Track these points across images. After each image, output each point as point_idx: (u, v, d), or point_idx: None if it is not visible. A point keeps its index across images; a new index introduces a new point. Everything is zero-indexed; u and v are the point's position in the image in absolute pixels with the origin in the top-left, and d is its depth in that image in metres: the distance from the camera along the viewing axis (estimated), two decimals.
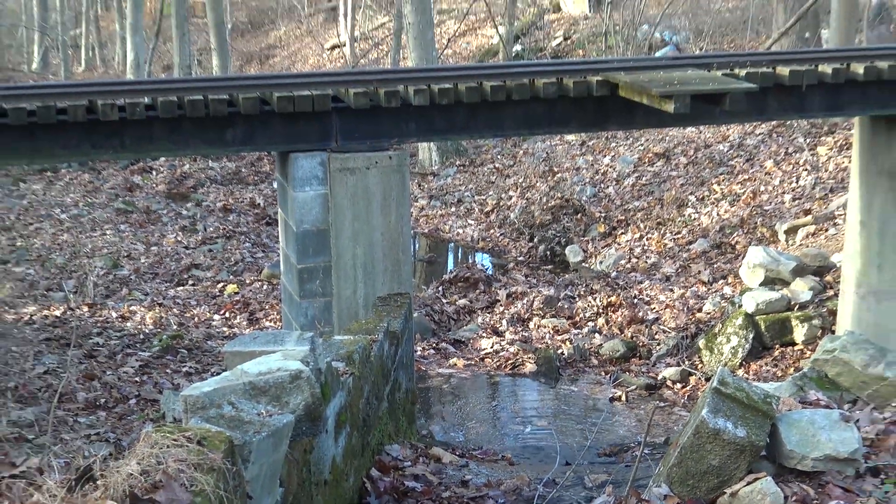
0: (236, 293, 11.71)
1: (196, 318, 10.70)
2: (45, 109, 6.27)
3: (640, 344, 9.98)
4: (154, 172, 17.00)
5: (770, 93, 7.10)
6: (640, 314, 10.44)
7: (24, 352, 8.58)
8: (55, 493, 2.56)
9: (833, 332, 8.51)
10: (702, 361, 9.44)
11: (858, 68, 7.12)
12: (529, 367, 9.55)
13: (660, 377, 9.30)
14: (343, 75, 8.16)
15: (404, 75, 7.38)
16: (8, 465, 3.10)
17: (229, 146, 7.22)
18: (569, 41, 21.13)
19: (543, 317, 10.72)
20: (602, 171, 15.23)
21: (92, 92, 6.80)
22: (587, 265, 12.78)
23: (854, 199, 8.66)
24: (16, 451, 4.23)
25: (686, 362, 9.52)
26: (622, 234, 13.25)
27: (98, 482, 2.64)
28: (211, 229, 14.58)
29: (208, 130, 6.89)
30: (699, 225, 12.58)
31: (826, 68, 7.09)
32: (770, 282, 9.77)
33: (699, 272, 11.36)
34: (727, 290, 10.53)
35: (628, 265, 12.26)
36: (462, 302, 11.42)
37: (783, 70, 7.03)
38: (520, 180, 15.83)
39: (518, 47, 21.52)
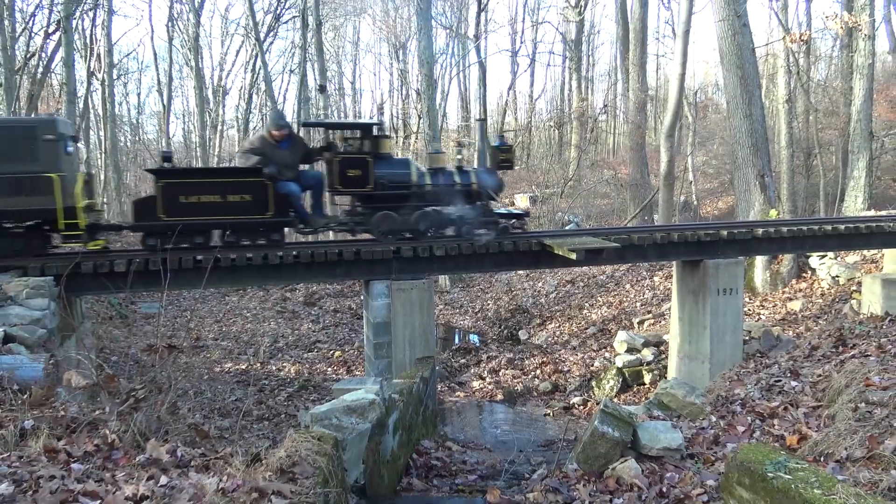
0: (340, 356, 14.87)
1: (318, 370, 13.70)
2: (240, 258, 8.93)
3: (560, 384, 13.06)
4: (297, 291, 21.16)
5: (628, 248, 10.20)
6: (560, 368, 13.72)
7: (225, 388, 11.37)
8: (239, 467, 3.50)
9: (665, 378, 11.21)
10: (594, 394, 12.38)
11: (674, 235, 10.30)
12: (500, 397, 12.65)
13: (571, 403, 12.15)
14: (398, 241, 9.99)
15: (432, 241, 9.99)
16: (213, 451, 4.03)
17: (338, 277, 10.27)
18: None
19: (507, 369, 14.03)
20: (537, 289, 19.78)
21: (265, 246, 9.73)
22: (531, 341, 16.34)
23: (674, 305, 11.34)
24: (219, 444, 4.82)
25: (586, 395, 12.50)
26: (549, 324, 17.12)
27: (263, 461, 3.55)
28: (327, 321, 18.34)
29: (326, 268, 9.50)
30: (591, 319, 16.22)
31: (657, 235, 10.26)
32: (630, 350, 12.90)
33: (592, 345, 14.79)
34: (607, 355, 13.75)
35: (552, 341, 15.69)
36: (462, 361, 14.89)
37: (634, 236, 10.23)
38: (493, 295, 20.71)
39: None
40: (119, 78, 37.31)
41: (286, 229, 10.13)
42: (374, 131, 10.34)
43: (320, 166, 11.30)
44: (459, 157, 10.68)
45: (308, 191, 10.31)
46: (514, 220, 10.84)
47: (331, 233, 23.95)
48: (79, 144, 9.63)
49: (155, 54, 36.17)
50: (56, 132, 8.72)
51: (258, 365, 13.76)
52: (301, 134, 9.76)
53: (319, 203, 10.41)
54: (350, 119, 12.43)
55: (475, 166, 10.79)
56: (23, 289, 7.58)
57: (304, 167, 10.52)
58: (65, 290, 7.70)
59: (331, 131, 10.54)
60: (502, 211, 11.00)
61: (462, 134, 40.82)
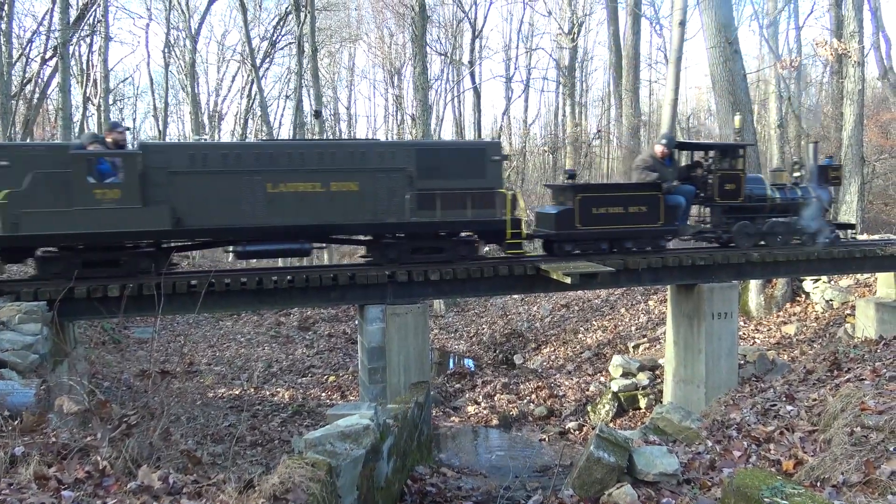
0: (335, 381, 14.82)
1: (312, 395, 13.68)
2: (235, 282, 9.00)
3: (555, 409, 13.03)
4: (291, 315, 21.14)
5: (622, 272, 10.25)
6: (555, 392, 13.70)
7: (218, 414, 11.36)
8: (232, 494, 3.49)
9: (661, 403, 11.11)
10: (590, 419, 12.32)
11: (669, 259, 10.35)
12: (495, 421, 12.63)
13: (567, 427, 12.11)
14: (392, 265, 9.99)
15: (427, 266, 9.97)
16: (206, 478, 3.98)
17: (332, 301, 10.17)
18: None
19: (502, 394, 14.00)
20: (532, 314, 19.74)
21: (259, 271, 10.13)
22: (526, 365, 16.31)
23: (669, 329, 11.38)
24: (212, 471, 4.68)
25: (581, 419, 12.43)
26: (544, 348, 17.09)
27: (256, 488, 3.56)
28: (321, 346, 18.27)
29: (321, 292, 9.52)
30: (586, 343, 16.20)
31: (652, 260, 10.33)
32: (626, 374, 12.88)
33: (587, 369, 14.78)
34: (602, 379, 13.74)
35: (548, 365, 15.69)
36: (457, 386, 14.90)
37: (629, 260, 10.27)
38: (488, 319, 20.63)
39: None
40: (115, 103, 37.48)
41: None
42: (739, 152, 11.69)
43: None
44: (798, 174, 12.22)
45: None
46: (844, 231, 12.41)
47: (325, 255, 23.85)
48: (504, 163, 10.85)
49: (151, 80, 36.61)
50: (500, 153, 10.38)
51: (252, 390, 13.74)
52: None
53: (687, 214, 11.63)
54: (709, 141, 13.37)
55: (808, 182, 12.15)
56: (15, 314, 7.58)
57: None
58: (58, 315, 7.70)
59: (695, 151, 12.40)
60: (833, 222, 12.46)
61: None
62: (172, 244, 9.83)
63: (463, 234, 10.44)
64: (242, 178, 9.29)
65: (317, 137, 29.26)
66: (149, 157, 9.06)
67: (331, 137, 39.81)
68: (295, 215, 9.45)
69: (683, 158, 12.08)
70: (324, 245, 11.17)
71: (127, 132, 10.10)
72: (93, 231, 8.80)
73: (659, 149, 11.39)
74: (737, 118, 13.96)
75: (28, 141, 11.76)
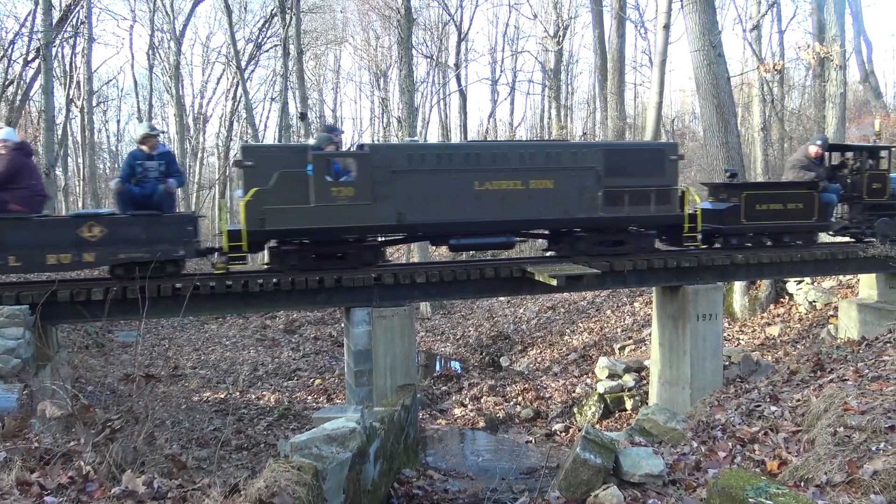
0: (321, 384, 14.78)
1: (298, 399, 13.62)
2: (220, 285, 9.03)
3: (542, 411, 13.08)
4: (277, 318, 21.12)
5: (608, 274, 10.33)
6: (541, 394, 13.76)
7: (203, 418, 11.24)
8: (217, 498, 3.50)
9: (647, 404, 11.30)
10: (576, 420, 12.36)
11: (654, 261, 10.43)
12: (481, 424, 12.67)
13: (553, 429, 12.14)
14: (379, 268, 10.16)
15: (413, 268, 10.33)
16: (191, 482, 3.97)
17: (318, 304, 10.18)
18: None
19: (489, 396, 14.04)
20: (519, 316, 19.85)
21: (244, 274, 9.96)
22: (512, 367, 16.40)
23: (654, 331, 11.44)
24: (197, 475, 4.70)
25: (568, 421, 12.47)
26: (530, 350, 17.17)
27: (242, 492, 3.58)
28: (307, 349, 18.26)
29: (307, 295, 9.54)
30: (572, 345, 16.30)
31: (638, 262, 10.38)
32: (611, 376, 12.93)
33: (573, 371, 14.86)
34: (588, 381, 13.82)
35: (534, 367, 15.77)
36: (444, 388, 14.93)
37: (615, 262, 10.34)
38: (475, 321, 20.67)
39: None
40: (98, 105, 37.20)
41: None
42: (883, 153, 12.60)
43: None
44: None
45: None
46: None
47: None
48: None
49: (135, 82, 36.22)
50: (677, 153, 11.09)
51: (237, 394, 13.65)
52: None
53: (832, 210, 12.28)
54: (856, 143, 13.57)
55: None
56: None
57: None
58: (40, 319, 7.64)
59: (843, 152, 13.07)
60: None
61: None
62: (384, 238, 10.67)
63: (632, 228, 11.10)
64: (454, 176, 10.01)
65: (302, 140, 29.08)
66: (374, 157, 9.75)
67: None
68: (498, 211, 10.17)
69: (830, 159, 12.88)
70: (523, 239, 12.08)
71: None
72: (329, 226, 9.59)
73: (814, 149, 12.09)
74: (876, 122, 14.93)
75: (248, 143, 12.19)
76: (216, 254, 9.96)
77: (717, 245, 11.82)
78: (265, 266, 10.57)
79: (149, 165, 9.62)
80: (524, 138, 41.13)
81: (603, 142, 13.07)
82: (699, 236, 11.17)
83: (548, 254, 11.70)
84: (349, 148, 11.45)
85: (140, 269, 8.89)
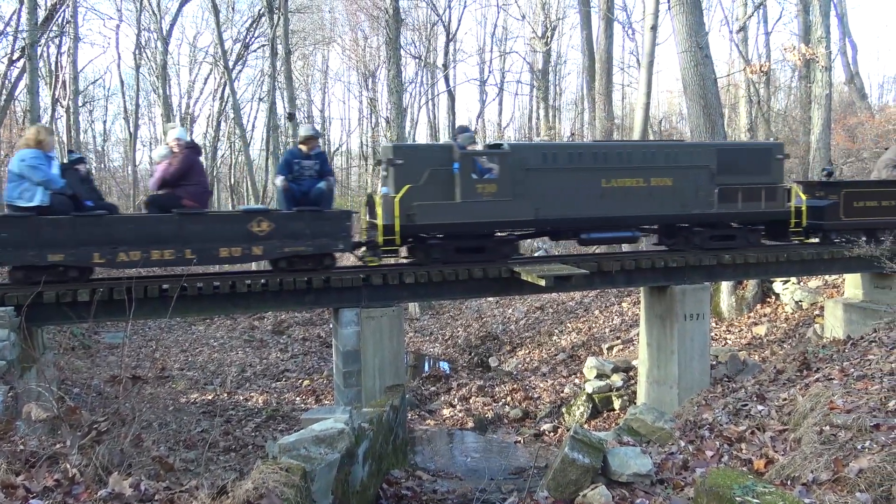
0: (309, 385, 14.76)
1: (287, 400, 13.58)
2: (207, 286, 8.94)
3: (530, 411, 13.12)
4: (265, 319, 21.05)
5: (596, 275, 10.37)
6: (530, 394, 13.81)
7: (190, 419, 11.20)
8: (205, 500, 3.49)
9: (635, 404, 11.34)
10: (564, 420, 12.39)
11: (642, 262, 10.41)
12: (470, 424, 12.68)
13: (542, 429, 12.16)
14: (366, 269, 10.22)
15: (402, 268, 10.10)
16: (178, 484, 3.93)
17: (307, 305, 10.11)
18: None
19: (477, 397, 14.08)
20: (507, 316, 19.89)
21: (232, 274, 10.14)
22: (501, 368, 16.42)
23: (642, 330, 11.49)
24: (185, 477, 4.60)
25: (556, 421, 12.50)
26: (519, 350, 17.20)
27: (230, 494, 3.55)
28: (296, 350, 18.22)
29: (295, 296, 9.48)
30: (560, 345, 16.35)
31: (625, 263, 10.46)
32: (600, 376, 12.98)
33: (562, 371, 14.91)
34: (577, 381, 13.88)
35: (523, 367, 15.80)
36: (432, 389, 14.95)
37: (603, 262, 10.42)
38: (463, 322, 20.66)
39: None
40: (84, 105, 36.93)
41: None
42: None
43: None
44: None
45: None
46: None
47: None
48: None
49: (122, 82, 35.99)
50: (783, 153, 11.72)
51: (225, 395, 13.61)
52: None
53: None
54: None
55: None
56: None
57: None
58: (25, 320, 7.58)
59: None
60: None
61: None
62: (519, 233, 11.15)
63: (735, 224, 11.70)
64: (583, 174, 10.55)
65: (291, 140, 28.98)
66: (513, 156, 10.33)
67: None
68: (622, 207, 10.71)
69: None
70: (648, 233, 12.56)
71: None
72: (473, 221, 10.15)
73: None
74: None
75: (397, 143, 13.12)
76: (363, 248, 10.58)
77: (816, 240, 12.28)
78: (405, 260, 11.09)
79: (306, 164, 10.22)
80: (510, 139, 41.16)
81: (716, 142, 13.93)
82: (803, 231, 11.67)
83: (660, 248, 12.38)
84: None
85: (299, 261, 9.66)
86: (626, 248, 14.66)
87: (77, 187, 9.33)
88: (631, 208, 10.80)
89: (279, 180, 10.18)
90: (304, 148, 10.28)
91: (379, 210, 10.05)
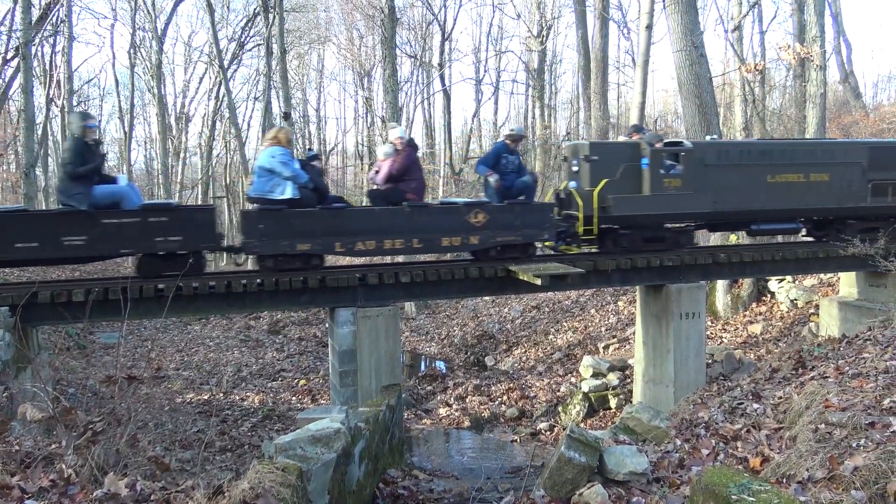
0: (305, 385, 14.73)
1: (283, 400, 13.54)
2: (203, 286, 8.84)
3: (527, 410, 13.11)
4: (261, 319, 21.04)
5: (592, 274, 10.31)
6: (526, 393, 13.80)
7: (186, 419, 11.14)
8: (201, 500, 3.48)
9: (631, 403, 11.36)
10: (560, 419, 12.40)
11: (638, 262, 10.51)
12: (466, 423, 12.66)
13: (538, 428, 12.16)
14: (363, 268, 10.24)
15: (398, 268, 10.23)
16: (174, 484, 3.92)
17: (302, 304, 10.18)
18: None
19: (474, 396, 14.05)
20: (503, 315, 19.87)
21: (228, 274, 10.15)
22: (497, 367, 16.45)
23: (638, 329, 11.51)
24: (181, 477, 4.68)
25: (552, 420, 12.52)
26: (515, 349, 17.21)
27: (226, 494, 3.54)
28: (292, 349, 18.20)
29: (291, 296, 9.46)
30: (557, 344, 16.33)
31: (621, 262, 10.45)
32: (596, 375, 12.99)
33: (558, 370, 14.91)
34: (573, 380, 13.89)
35: (519, 367, 15.81)
36: (428, 388, 14.95)
37: (598, 261, 10.39)
38: (459, 321, 20.63)
39: None
40: (79, 104, 36.77)
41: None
42: None
43: None
44: None
45: None
46: None
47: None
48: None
49: (116, 81, 35.94)
50: None
51: (221, 395, 13.58)
52: None
53: None
54: None
55: None
56: None
57: None
58: (20, 320, 7.58)
59: None
60: None
61: (427, 161, 40.86)
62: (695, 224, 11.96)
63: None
64: (753, 170, 11.35)
65: None
66: (694, 152, 11.18)
67: (299, 139, 39.39)
68: (785, 200, 11.51)
69: None
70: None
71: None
72: (660, 213, 11.05)
73: None
74: None
75: (593, 140, 13.98)
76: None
77: None
78: (590, 249, 11.57)
79: (510, 159, 11.02)
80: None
81: (867, 140, 15.14)
82: None
83: (808, 239, 13.14)
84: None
85: (505, 251, 10.35)
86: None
87: (318, 181, 10.09)
88: (793, 202, 11.61)
89: (493, 178, 10.77)
90: (510, 144, 11.06)
91: (580, 201, 10.74)
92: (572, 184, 11.18)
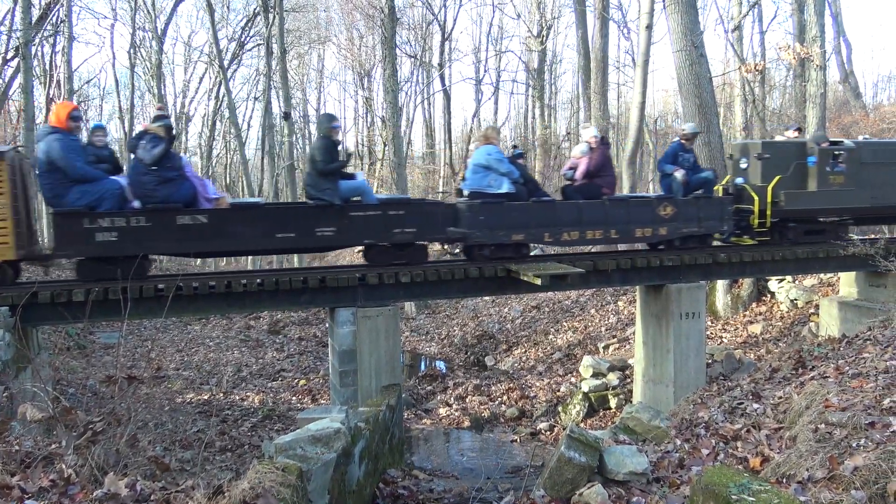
0: (305, 385, 14.72)
1: (283, 399, 13.51)
2: (203, 286, 8.88)
3: (527, 410, 13.11)
4: (261, 319, 21.03)
5: (592, 274, 10.33)
6: (526, 393, 13.78)
7: (186, 419, 11.07)
8: (201, 500, 3.48)
9: (631, 402, 11.35)
10: (560, 419, 12.40)
11: (638, 262, 10.50)
12: (466, 423, 12.66)
13: (538, 428, 12.17)
14: (363, 268, 10.16)
15: (397, 268, 9.92)
16: (174, 484, 3.93)
17: (303, 304, 10.04)
18: None
19: (473, 396, 14.05)
20: (503, 315, 19.89)
21: (228, 274, 10.13)
22: (497, 367, 16.45)
23: (638, 329, 11.50)
24: (181, 477, 4.63)
25: (552, 420, 12.51)
26: (515, 349, 17.21)
27: (226, 494, 3.54)
28: (292, 349, 18.17)
29: (291, 296, 9.44)
30: (557, 344, 16.31)
31: (621, 262, 10.45)
32: (596, 375, 12.98)
33: (558, 370, 14.91)
34: (573, 380, 13.89)
35: (519, 366, 15.81)
36: (428, 388, 14.94)
37: (598, 262, 10.41)
38: (459, 321, 20.64)
39: None
40: (79, 104, 36.73)
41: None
42: None
43: None
44: None
45: None
46: None
47: (295, 259, 23.82)
48: None
49: (116, 81, 35.88)
50: None
51: (221, 395, 13.56)
52: None
53: None
54: None
55: None
56: None
57: None
58: (20, 321, 7.58)
59: None
60: None
61: (427, 161, 40.96)
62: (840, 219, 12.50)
63: None
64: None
65: (286, 139, 29.00)
66: (856, 151, 11.98)
67: (299, 139, 39.42)
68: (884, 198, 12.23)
69: None
70: None
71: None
72: (825, 207, 11.97)
73: None
74: None
75: (765, 139, 14.58)
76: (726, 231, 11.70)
77: None
78: (751, 242, 12.14)
79: (686, 157, 11.65)
80: (505, 138, 41.18)
81: None
82: None
83: None
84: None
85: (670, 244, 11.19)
86: (622, 246, 14.62)
87: (528, 176, 11.08)
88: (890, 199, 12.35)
89: (680, 174, 11.38)
90: (685, 143, 11.69)
91: (755, 196, 11.51)
92: (739, 180, 12.01)
